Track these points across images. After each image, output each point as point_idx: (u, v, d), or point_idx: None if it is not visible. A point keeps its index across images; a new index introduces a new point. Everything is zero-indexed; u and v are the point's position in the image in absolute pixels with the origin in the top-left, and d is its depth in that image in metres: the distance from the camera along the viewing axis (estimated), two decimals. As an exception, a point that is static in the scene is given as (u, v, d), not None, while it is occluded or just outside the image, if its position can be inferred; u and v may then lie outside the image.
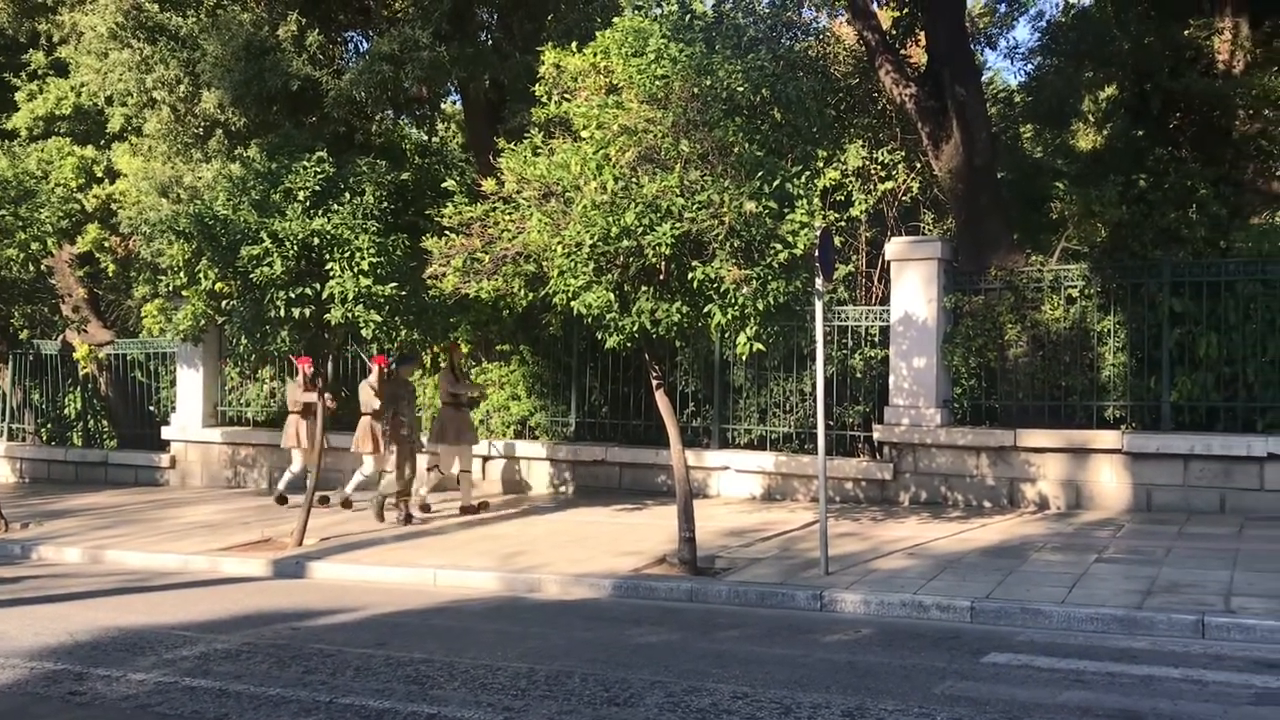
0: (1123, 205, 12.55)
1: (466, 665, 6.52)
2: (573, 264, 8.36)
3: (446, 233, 9.23)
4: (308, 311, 10.15)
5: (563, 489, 14.46)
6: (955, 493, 12.20)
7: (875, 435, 12.60)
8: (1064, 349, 11.98)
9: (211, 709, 5.76)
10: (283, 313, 10.07)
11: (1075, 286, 12.06)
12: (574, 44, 9.15)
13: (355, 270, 10.00)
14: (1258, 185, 13.77)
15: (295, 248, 9.92)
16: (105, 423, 18.91)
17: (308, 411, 13.05)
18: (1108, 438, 11.39)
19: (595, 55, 8.91)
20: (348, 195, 10.55)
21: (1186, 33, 14.01)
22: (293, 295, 10.02)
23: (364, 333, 10.15)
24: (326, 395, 11.30)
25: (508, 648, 6.99)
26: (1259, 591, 7.62)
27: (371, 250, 10.02)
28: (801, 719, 5.28)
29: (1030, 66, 17.17)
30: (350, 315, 10.03)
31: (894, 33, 14.98)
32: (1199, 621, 6.97)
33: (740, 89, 8.50)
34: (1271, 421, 10.99)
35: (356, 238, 10.04)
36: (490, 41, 14.68)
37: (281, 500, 13.63)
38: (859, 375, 12.95)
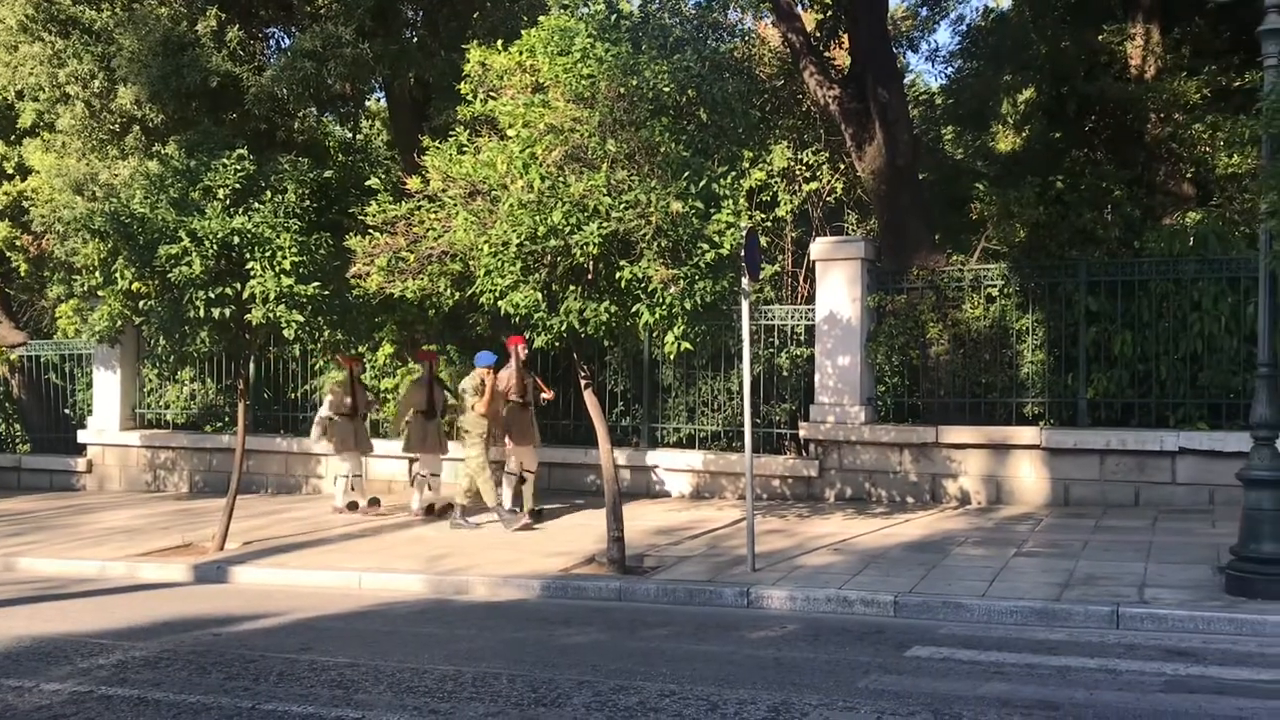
0: (1040, 206, 12.84)
1: (392, 668, 6.45)
2: (499, 263, 8.32)
3: (371, 231, 9.13)
4: (228, 312, 9.96)
5: (491, 490, 14.34)
6: (879, 489, 12.37)
7: (801, 433, 12.74)
8: (984, 347, 12.22)
9: (129, 718, 5.63)
10: (202, 313, 9.87)
11: (995, 286, 12.31)
12: (500, 42, 9.09)
13: (277, 270, 9.83)
14: (1169, 187, 14.16)
15: (215, 247, 9.72)
16: (18, 427, 18.37)
17: (357, 412, 12.83)
18: (1027, 434, 11.64)
19: (521, 54, 8.87)
20: (269, 193, 10.37)
21: (1100, 38, 14.39)
22: (212, 295, 9.82)
23: (286, 333, 9.98)
24: (369, 396, 12.61)
25: (434, 650, 6.93)
26: (1170, 582, 7.84)
27: (293, 249, 9.85)
28: (728, 715, 5.32)
29: (951, 69, 17.53)
30: (272, 315, 9.86)
31: (818, 35, 15.14)
32: (1114, 612, 7.16)
33: (666, 89, 8.51)
34: (1183, 417, 11.32)
35: (278, 236, 9.87)
36: (415, 39, 14.53)
37: (353, 507, 12.92)
38: (785, 374, 13.08)
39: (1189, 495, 11.00)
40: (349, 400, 12.86)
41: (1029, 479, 11.69)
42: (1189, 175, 14.30)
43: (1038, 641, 6.78)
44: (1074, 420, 11.78)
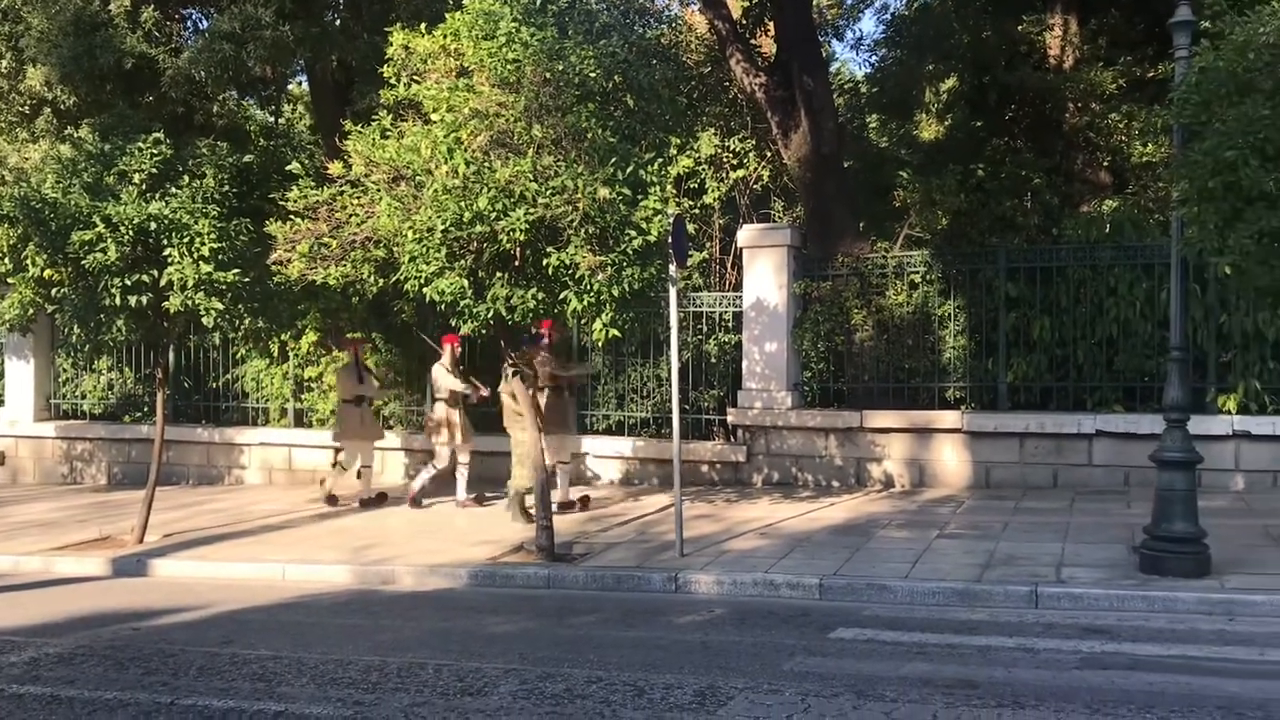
0: (962, 194, 13.05)
1: (315, 660, 6.37)
2: (424, 249, 8.22)
3: (292, 217, 8.95)
4: (145, 299, 9.71)
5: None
6: (806, 473, 12.50)
7: (729, 419, 12.82)
8: (907, 333, 12.39)
9: (39, 717, 5.49)
10: (118, 301, 9.61)
11: (918, 272, 12.48)
12: (423, 26, 8.97)
13: (195, 256, 9.60)
14: (1086, 175, 14.51)
15: (131, 233, 9.47)
16: (-75, 419, 17.74)
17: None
18: (949, 418, 11.84)
19: (445, 37, 8.76)
20: (187, 178, 10.12)
21: (1020, 28, 14.67)
22: (128, 282, 9.57)
23: (205, 321, 9.77)
24: (375, 380, 12.31)
25: (359, 641, 6.86)
26: (1087, 561, 8.04)
27: (212, 235, 9.63)
28: (654, 700, 5.34)
29: (876, 58, 17.71)
30: (190, 303, 9.64)
31: (744, 23, 15.21)
32: (1032, 592, 7.32)
33: (593, 74, 8.47)
34: (1099, 400, 11.60)
35: (196, 222, 9.64)
36: (337, 21, 14.31)
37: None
38: (714, 360, 13.14)
39: (1105, 477, 11.28)
40: (370, 383, 12.45)
41: (951, 462, 11.90)
42: (1106, 164, 14.65)
43: (959, 622, 6.91)
44: (994, 404, 12.01)
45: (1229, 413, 10.93)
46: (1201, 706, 4.92)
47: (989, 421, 11.70)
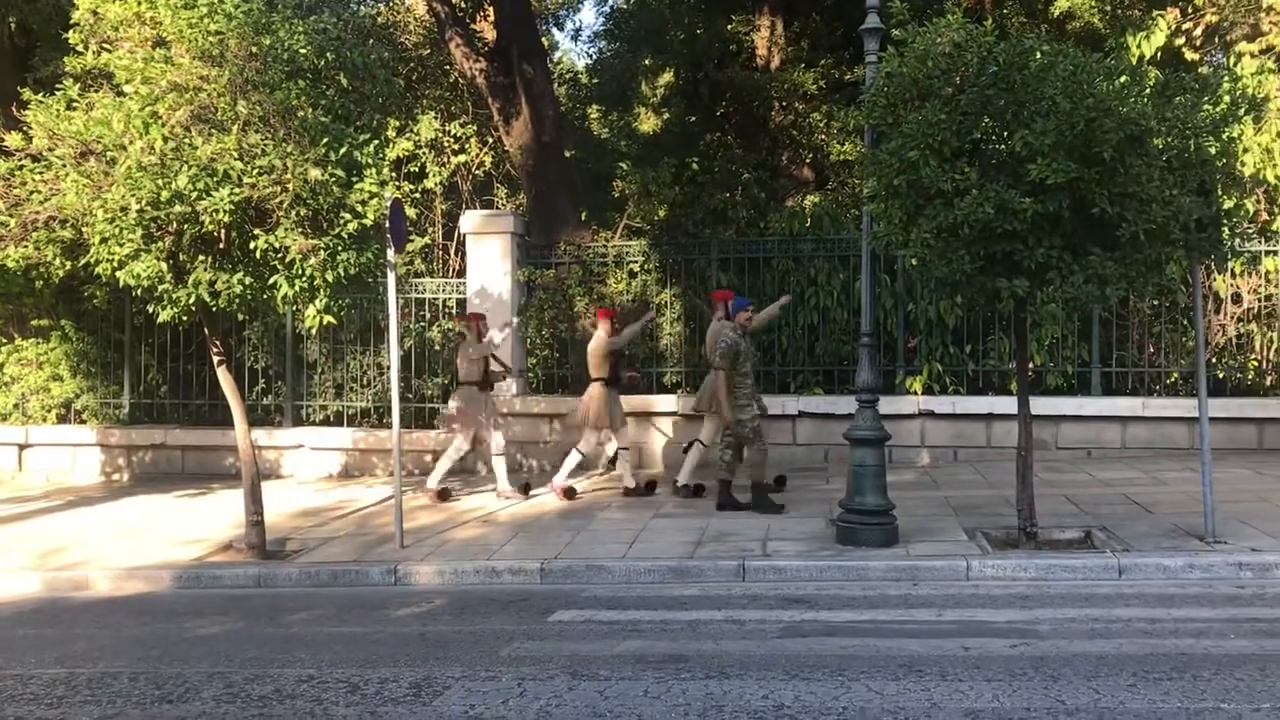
0: (677, 186, 13.51)
1: (-8, 678, 5.82)
2: (117, 230, 7.67)
3: (-39, 193, 8.12)
4: None
5: (116, 477, 13.30)
6: (530, 459, 12.59)
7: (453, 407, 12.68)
8: (628, 320, 12.66)
9: None
10: None
11: (637, 262, 12.81)
12: (115, -11, 8.34)
13: None
14: (791, 171, 15.33)
15: None
16: None
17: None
18: (666, 401, 12.24)
19: (140, 4, 8.17)
20: None
21: (730, 27, 15.30)
22: None
23: None
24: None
25: (45, 652, 6.32)
26: (790, 535, 8.53)
27: None
28: (369, 696, 5.22)
29: (596, 50, 17.99)
30: None
31: (464, 6, 15.07)
32: (740, 566, 7.69)
33: (303, 51, 8.15)
34: (802, 383, 12.32)
35: None
36: (17, -21, 13.06)
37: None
38: (438, 348, 12.98)
39: (808, 454, 12.00)
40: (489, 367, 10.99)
41: (670, 444, 12.30)
42: (808, 160, 15.53)
43: (673, 598, 7.16)
44: (709, 388, 12.49)
45: (915, 393, 11.88)
46: (886, 667, 5.32)
47: (681, 404, 12.14)
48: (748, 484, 9.70)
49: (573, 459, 10.80)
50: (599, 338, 10.69)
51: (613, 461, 11.51)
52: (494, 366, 11.10)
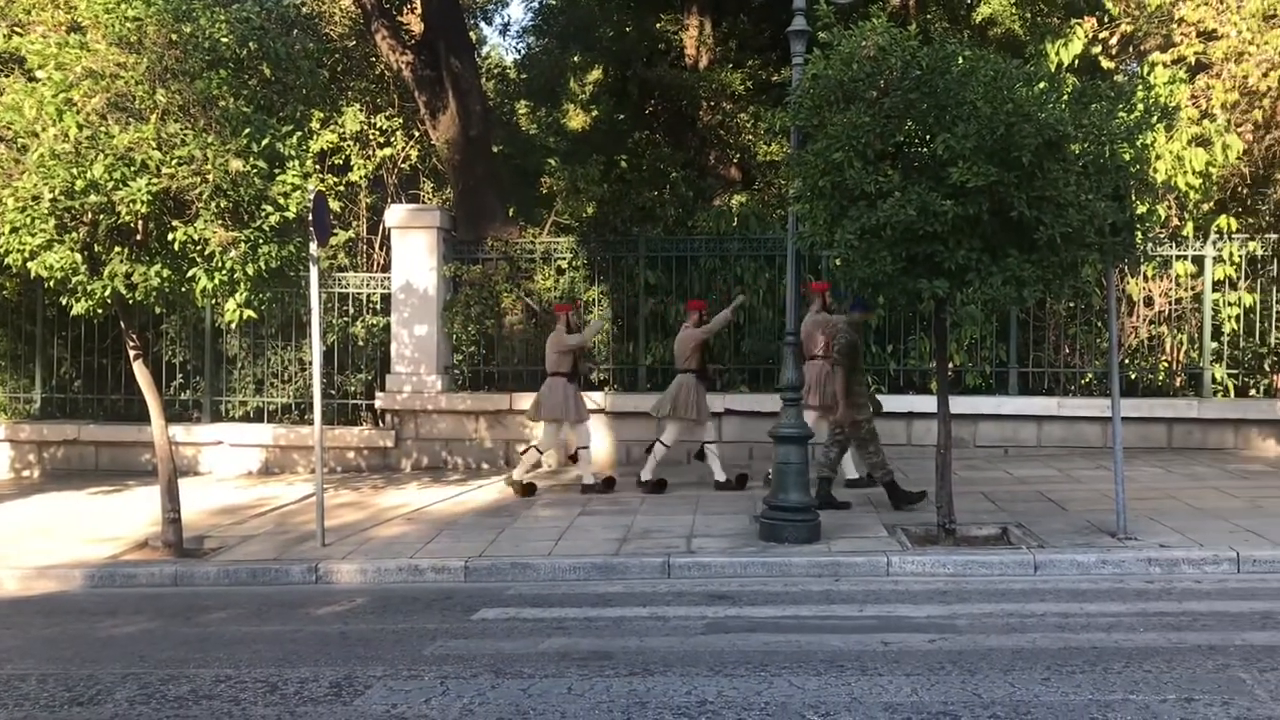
0: (605, 184, 13.51)
1: (-108, 682, 5.62)
2: (29, 219, 7.47)
3: None
4: None
5: (27, 473, 12.93)
6: (456, 456, 12.50)
7: (377, 403, 12.57)
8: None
9: None
10: None
11: (565, 259, 12.79)
12: (27, -29, 8.12)
13: None
14: (719, 170, 15.42)
15: None
16: None
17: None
18: (595, 398, 12.23)
19: (54, -13, 7.98)
20: None
21: (659, 26, 15.32)
22: None
23: None
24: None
25: (-52, 656, 6.12)
26: (715, 532, 8.58)
27: None
28: (288, 696, 5.14)
29: (524, 45, 17.91)
30: None
31: (391, -2, 14.89)
32: (665, 563, 7.72)
33: (225, 40, 8.00)
34: (729, 381, 12.41)
35: None
36: (-77, -42, 12.59)
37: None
38: (361, 343, 12.83)
39: (734, 452, 12.08)
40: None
41: (597, 441, 12.28)
42: (736, 160, 15.63)
43: (598, 595, 7.16)
44: (635, 385, 12.54)
45: (839, 392, 12.00)
46: (808, 662, 5.38)
47: (629, 402, 12.20)
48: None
49: (659, 451, 10.62)
50: (687, 329, 10.56)
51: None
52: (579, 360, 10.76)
